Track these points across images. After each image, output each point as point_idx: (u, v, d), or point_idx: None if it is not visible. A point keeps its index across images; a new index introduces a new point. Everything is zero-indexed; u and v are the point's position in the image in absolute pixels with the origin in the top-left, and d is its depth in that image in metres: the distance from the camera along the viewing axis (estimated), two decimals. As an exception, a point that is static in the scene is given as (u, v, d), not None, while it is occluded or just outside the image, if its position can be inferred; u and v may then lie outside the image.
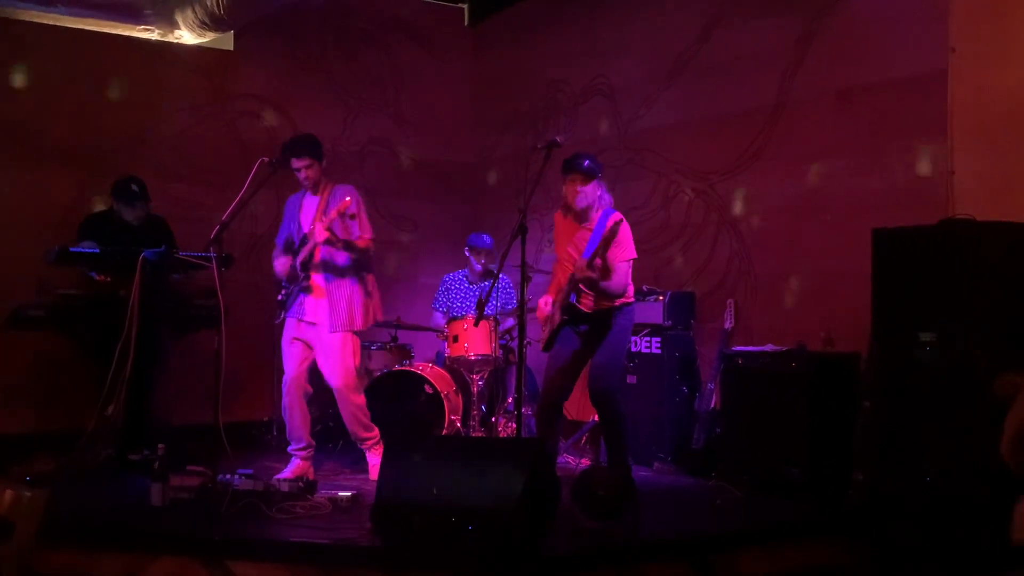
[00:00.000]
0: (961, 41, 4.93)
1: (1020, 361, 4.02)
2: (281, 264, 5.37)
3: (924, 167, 5.09)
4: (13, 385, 6.23)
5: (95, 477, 5.14)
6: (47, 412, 6.13)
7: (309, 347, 5.34)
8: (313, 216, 5.30)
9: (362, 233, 5.35)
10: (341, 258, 5.31)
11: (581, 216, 5.05)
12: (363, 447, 5.52)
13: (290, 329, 5.35)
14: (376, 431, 5.50)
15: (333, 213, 5.13)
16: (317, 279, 5.30)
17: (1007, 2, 4.84)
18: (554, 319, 5.04)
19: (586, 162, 4.98)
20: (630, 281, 5.03)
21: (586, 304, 4.99)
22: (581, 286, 4.91)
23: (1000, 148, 4.79)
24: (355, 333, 5.38)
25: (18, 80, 6.56)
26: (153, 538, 4.10)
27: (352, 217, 5.26)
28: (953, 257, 4.28)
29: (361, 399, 5.46)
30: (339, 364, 5.28)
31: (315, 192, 5.39)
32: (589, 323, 5.02)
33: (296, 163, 5.27)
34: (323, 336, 5.28)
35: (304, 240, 5.28)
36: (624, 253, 4.93)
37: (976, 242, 4.25)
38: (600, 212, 5.01)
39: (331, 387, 5.35)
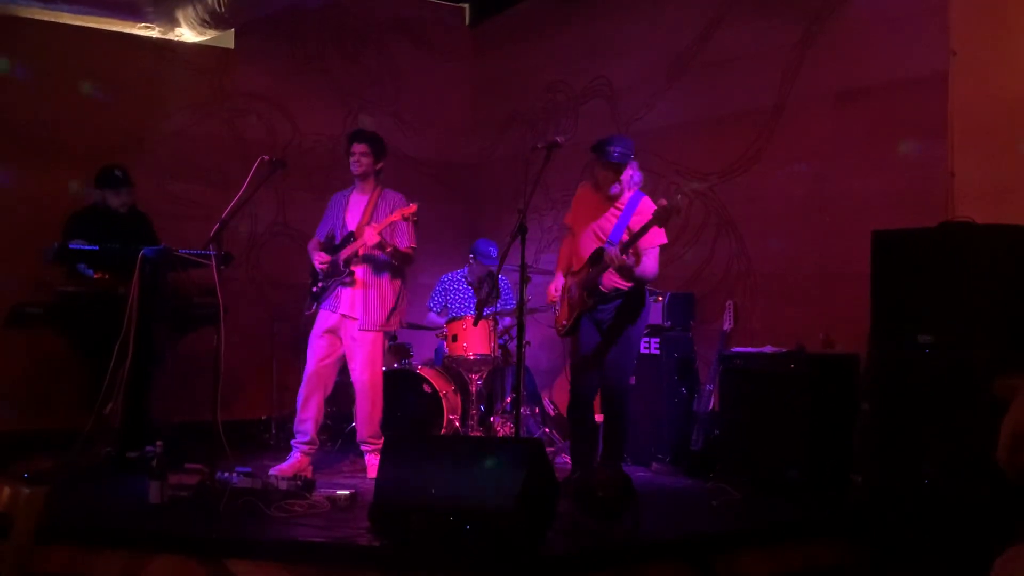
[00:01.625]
0: (962, 44, 4.93)
1: (1019, 363, 4.03)
2: (320, 257, 5.43)
3: (924, 169, 5.09)
4: (11, 382, 6.22)
5: (93, 475, 5.12)
6: (45, 410, 6.12)
7: (339, 341, 5.40)
8: (361, 216, 5.41)
9: (410, 242, 5.46)
10: (384, 258, 5.39)
11: (612, 196, 4.98)
12: (364, 448, 5.51)
13: (323, 321, 5.42)
14: (383, 440, 5.49)
15: (396, 215, 5.26)
16: (359, 274, 5.38)
17: (1008, 5, 4.84)
18: (575, 299, 4.96)
19: (616, 152, 4.87)
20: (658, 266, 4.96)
21: (610, 283, 4.94)
22: (612, 271, 4.84)
23: (1000, 151, 4.79)
24: (385, 334, 5.47)
25: (17, 77, 6.55)
26: (151, 536, 4.09)
27: (416, 222, 5.38)
28: (953, 259, 4.28)
29: (381, 401, 5.50)
30: (368, 361, 5.38)
31: (363, 191, 5.49)
32: (613, 306, 4.95)
33: (356, 147, 5.42)
34: (356, 331, 5.35)
35: (349, 237, 5.38)
36: (656, 238, 4.86)
37: (976, 244, 4.25)
38: (631, 192, 4.97)
39: (356, 382, 5.42)
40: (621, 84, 7.02)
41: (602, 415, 5.14)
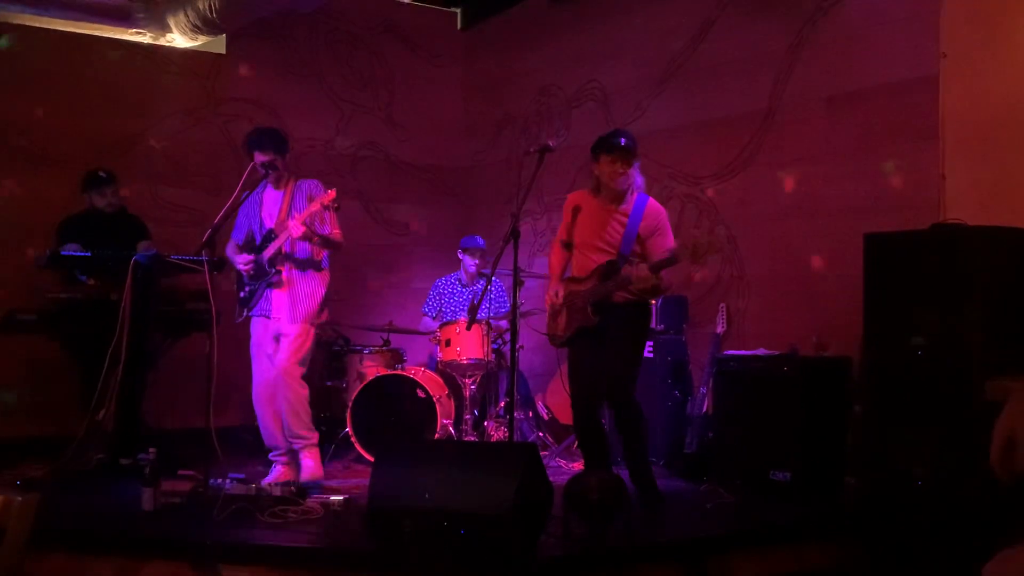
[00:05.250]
0: (952, 47, 4.95)
1: (1012, 365, 4.04)
2: (244, 258, 5.27)
3: (915, 172, 5.11)
4: (4, 389, 6.20)
5: (86, 482, 5.11)
6: (38, 416, 6.11)
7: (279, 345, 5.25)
8: (279, 212, 5.26)
9: (333, 229, 5.28)
10: (306, 253, 5.25)
11: (616, 198, 4.78)
12: (296, 446, 5.27)
13: (259, 330, 5.27)
14: (315, 435, 5.32)
15: (316, 205, 5.08)
16: (285, 273, 5.23)
17: (998, 8, 4.86)
18: (578, 312, 4.75)
19: (623, 140, 4.74)
20: None
21: (619, 296, 4.72)
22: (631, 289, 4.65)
23: (991, 153, 4.81)
24: (313, 325, 5.31)
25: (8, 83, 6.53)
26: (144, 543, 4.09)
27: (337, 209, 5.20)
28: (944, 262, 4.29)
29: (305, 391, 5.26)
30: (290, 350, 5.18)
31: (275, 186, 5.33)
32: (619, 318, 4.71)
33: (259, 156, 5.19)
34: (284, 326, 5.22)
35: (269, 235, 5.23)
36: (666, 241, 4.73)
37: (967, 246, 4.26)
38: (635, 196, 4.78)
39: (275, 365, 5.20)
40: (613, 88, 7.03)
41: (616, 428, 5.00)
